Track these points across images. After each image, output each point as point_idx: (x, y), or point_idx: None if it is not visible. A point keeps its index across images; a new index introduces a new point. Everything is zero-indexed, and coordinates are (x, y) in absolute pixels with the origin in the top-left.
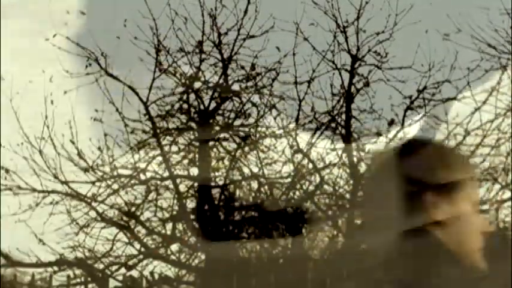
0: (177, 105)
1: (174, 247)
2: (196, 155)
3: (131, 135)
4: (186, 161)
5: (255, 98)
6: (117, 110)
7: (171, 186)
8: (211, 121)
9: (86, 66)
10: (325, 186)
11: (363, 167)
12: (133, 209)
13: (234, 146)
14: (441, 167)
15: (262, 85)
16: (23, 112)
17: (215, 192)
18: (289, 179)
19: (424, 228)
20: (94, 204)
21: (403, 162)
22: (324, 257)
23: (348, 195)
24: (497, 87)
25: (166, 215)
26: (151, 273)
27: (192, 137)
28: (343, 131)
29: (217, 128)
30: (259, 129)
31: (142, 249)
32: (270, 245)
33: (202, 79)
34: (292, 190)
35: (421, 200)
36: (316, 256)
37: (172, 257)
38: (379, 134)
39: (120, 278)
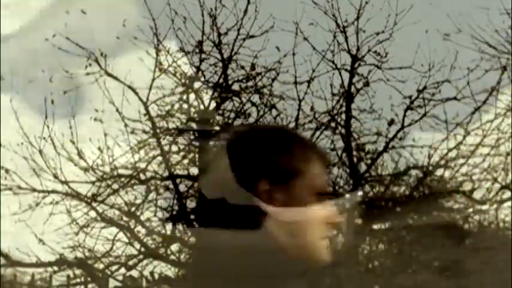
0: (177, 105)
1: (174, 247)
2: (196, 155)
3: (131, 135)
4: (186, 161)
5: (255, 98)
6: (117, 110)
7: (171, 186)
8: (211, 121)
9: (86, 66)
10: None
11: (363, 167)
12: (133, 209)
13: None
14: (277, 153)
15: (262, 85)
16: (23, 112)
17: None
18: None
19: (259, 220)
20: (94, 204)
21: (238, 150)
22: None
23: (348, 195)
24: (497, 87)
25: (166, 215)
26: (151, 273)
27: (192, 137)
28: (343, 131)
29: (217, 128)
30: None
31: (143, 249)
32: None
33: (202, 79)
34: None
35: (256, 189)
36: None
37: (172, 257)
38: (379, 134)
39: (120, 278)
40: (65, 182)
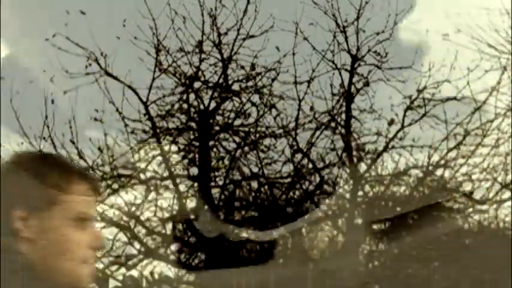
0: (177, 105)
1: (174, 247)
2: (196, 155)
3: (131, 135)
4: (186, 161)
5: (255, 98)
6: (117, 110)
7: (171, 186)
8: (211, 121)
9: (86, 66)
10: (325, 186)
11: (363, 167)
12: (133, 208)
13: (234, 145)
14: (31, 181)
15: (262, 85)
16: (23, 112)
17: (215, 192)
18: (289, 179)
19: (14, 246)
20: None
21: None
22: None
23: (348, 195)
24: (497, 87)
25: (166, 214)
26: (151, 273)
27: (192, 137)
28: (343, 131)
29: (217, 127)
30: (259, 129)
31: (143, 249)
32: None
33: (202, 79)
34: (292, 190)
35: (12, 218)
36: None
37: (172, 257)
38: (379, 134)
39: (120, 278)
40: None
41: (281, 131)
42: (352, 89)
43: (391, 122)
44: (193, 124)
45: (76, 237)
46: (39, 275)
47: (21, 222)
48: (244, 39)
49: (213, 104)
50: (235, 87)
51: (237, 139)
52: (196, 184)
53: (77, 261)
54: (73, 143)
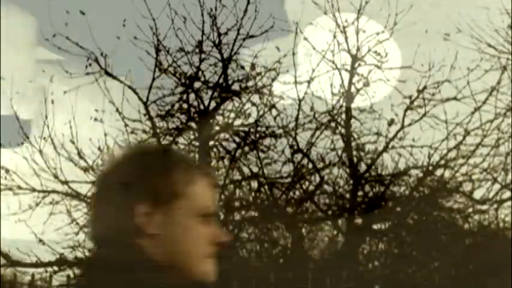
0: (177, 105)
1: None
2: (196, 155)
3: (131, 135)
4: None
5: (255, 98)
6: (117, 110)
7: None
8: (211, 121)
9: (86, 66)
10: (325, 186)
11: (363, 167)
12: None
13: (234, 146)
14: (155, 175)
15: (262, 85)
16: (23, 112)
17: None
18: (289, 179)
19: (134, 241)
20: None
21: (119, 170)
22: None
23: (347, 195)
24: (497, 87)
25: None
26: None
27: (192, 137)
28: (343, 131)
29: (217, 127)
30: (259, 129)
31: None
32: (269, 245)
33: (202, 79)
34: (292, 190)
35: (133, 211)
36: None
37: None
38: (379, 134)
39: None
40: (65, 182)
41: (281, 131)
42: (352, 89)
43: (391, 122)
44: (193, 124)
45: (200, 232)
46: (163, 271)
47: (145, 218)
48: (244, 39)
49: (213, 104)
50: (235, 87)
51: (237, 139)
52: None
53: (201, 256)
54: (73, 143)
